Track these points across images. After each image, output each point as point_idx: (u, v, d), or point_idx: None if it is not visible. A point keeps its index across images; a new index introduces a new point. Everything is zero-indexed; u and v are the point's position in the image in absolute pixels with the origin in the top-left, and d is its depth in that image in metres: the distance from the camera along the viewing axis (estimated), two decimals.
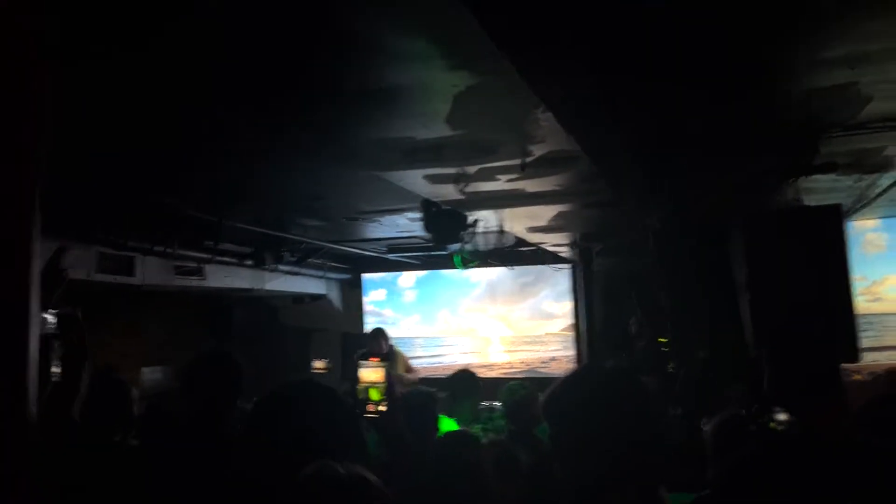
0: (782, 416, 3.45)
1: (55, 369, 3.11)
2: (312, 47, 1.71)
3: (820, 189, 4.66)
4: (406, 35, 1.58)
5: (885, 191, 4.83)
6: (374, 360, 2.13)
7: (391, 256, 7.52)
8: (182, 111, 2.72)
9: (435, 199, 3.41)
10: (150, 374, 7.09)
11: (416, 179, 2.92)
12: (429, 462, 2.61)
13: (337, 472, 1.32)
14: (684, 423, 4.36)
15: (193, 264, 6.04)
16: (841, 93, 3.04)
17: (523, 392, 4.06)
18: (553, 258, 6.69)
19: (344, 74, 1.84)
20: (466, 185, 2.98)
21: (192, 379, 2.73)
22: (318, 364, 6.92)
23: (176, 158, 3.64)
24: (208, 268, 6.22)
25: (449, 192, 3.14)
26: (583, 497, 1.35)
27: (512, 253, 6.63)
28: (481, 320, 8.33)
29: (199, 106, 2.61)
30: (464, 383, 4.46)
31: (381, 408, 2.07)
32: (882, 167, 4.28)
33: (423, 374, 6.70)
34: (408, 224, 5.78)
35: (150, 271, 5.65)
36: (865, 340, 4.07)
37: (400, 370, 6.25)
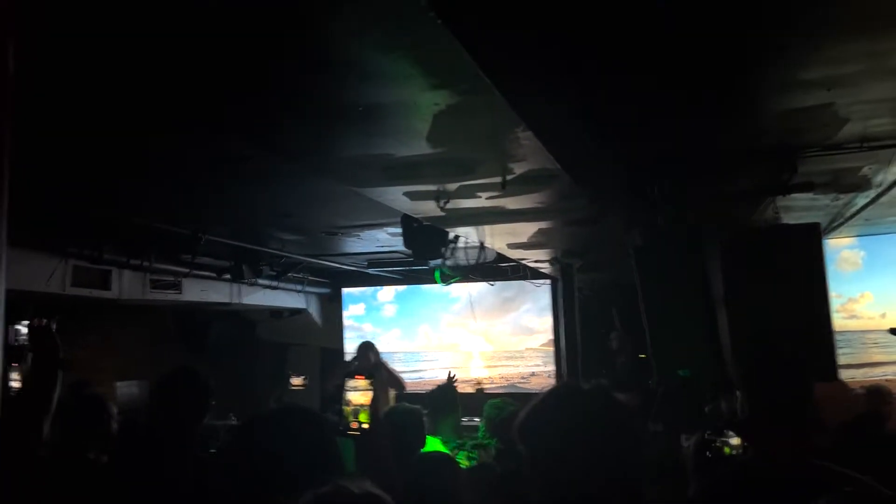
0: (735, 441, 3.49)
1: (15, 380, 3.05)
2: (293, 64, 1.69)
3: (797, 207, 4.70)
4: (387, 54, 1.57)
5: (860, 210, 4.89)
6: (360, 379, 2.12)
7: (371, 271, 7.49)
8: (159, 126, 2.69)
9: (415, 216, 3.40)
10: (126, 389, 6.99)
11: (396, 196, 2.90)
12: (407, 485, 2.58)
13: (350, 492, 1.30)
14: (665, 439, 4.36)
15: (170, 278, 5.98)
16: (818, 114, 3.07)
17: (511, 409, 4.01)
18: (534, 274, 6.69)
19: (324, 92, 1.82)
20: (447, 202, 2.97)
21: (159, 396, 2.69)
22: (296, 381, 6.87)
23: (152, 172, 3.59)
24: (185, 282, 6.16)
25: (429, 208, 3.13)
26: None
27: (493, 268, 6.62)
28: (462, 335, 8.29)
29: (176, 121, 2.58)
30: (444, 398, 4.41)
31: (364, 425, 2.06)
32: (858, 187, 4.33)
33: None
34: (388, 239, 5.75)
35: (127, 285, 5.58)
36: (842, 357, 4.10)
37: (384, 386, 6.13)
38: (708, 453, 3.72)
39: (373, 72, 1.65)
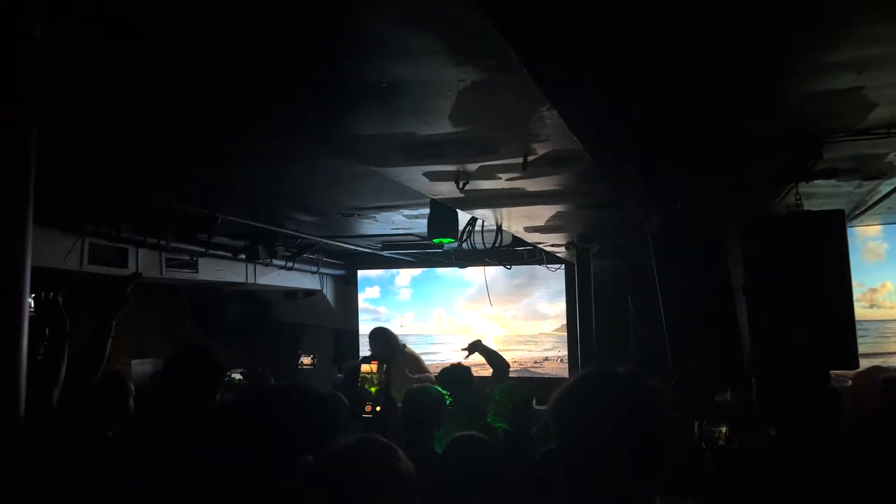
0: (724, 429, 3.48)
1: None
2: (314, 40, 1.66)
3: (819, 194, 4.64)
4: (412, 28, 1.54)
5: (884, 197, 4.81)
6: (374, 364, 2.14)
7: (386, 253, 7.48)
8: (178, 106, 2.68)
9: (434, 196, 3.37)
10: (141, 367, 7.03)
11: (415, 176, 2.87)
12: (438, 468, 2.58)
13: (379, 441, 1.33)
14: (679, 426, 4.33)
15: (186, 257, 5.99)
16: (846, 98, 3.01)
17: (523, 393, 4.00)
18: (549, 258, 6.66)
19: (345, 68, 1.79)
20: (466, 184, 2.94)
21: (170, 374, 2.70)
22: (305, 360, 6.90)
23: (170, 152, 3.58)
24: (202, 261, 6.18)
25: (448, 189, 3.10)
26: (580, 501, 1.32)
27: (508, 252, 6.59)
28: (476, 319, 8.29)
29: (195, 101, 2.57)
30: (457, 379, 4.40)
31: (378, 408, 2.06)
32: (883, 174, 4.26)
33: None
34: (403, 221, 5.74)
35: (143, 263, 5.60)
36: (862, 347, 4.04)
37: (405, 369, 6.03)
38: (703, 444, 3.72)
39: (397, 48, 1.62)
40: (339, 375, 6.36)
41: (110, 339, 2.33)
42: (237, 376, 5.31)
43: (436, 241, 3.91)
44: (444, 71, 1.73)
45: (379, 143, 2.37)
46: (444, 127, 2.19)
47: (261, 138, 3.13)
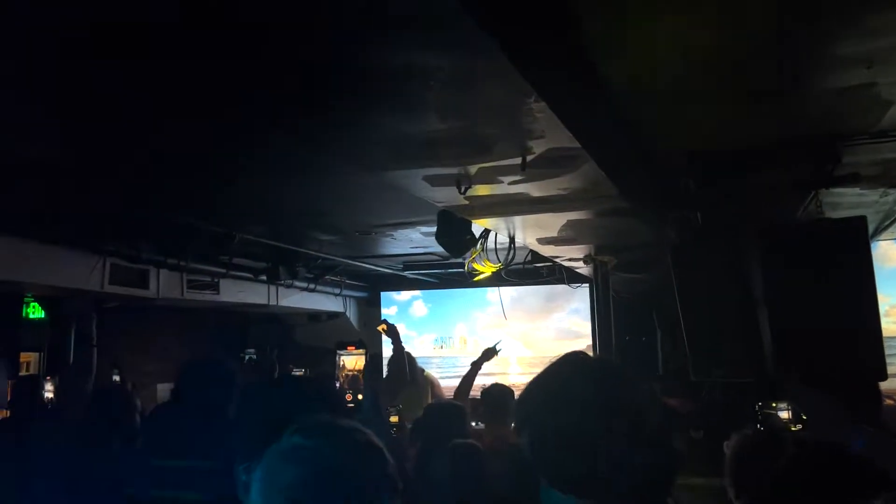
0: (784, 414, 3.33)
1: (48, 391, 3.11)
2: (292, 27, 1.66)
3: (844, 204, 4.50)
4: (384, 10, 1.52)
5: None
6: (351, 349, 2.10)
7: (408, 274, 7.46)
8: (180, 122, 2.71)
9: (438, 204, 3.34)
10: (166, 393, 7.07)
11: (415, 181, 2.85)
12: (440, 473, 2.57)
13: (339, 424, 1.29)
14: (705, 447, 4.19)
15: (208, 278, 6.05)
16: (859, 96, 2.92)
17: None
18: (570, 276, 6.56)
19: (324, 57, 1.78)
20: (468, 188, 2.90)
21: (184, 388, 2.69)
22: (297, 374, 6.89)
23: (183, 170, 3.62)
24: (223, 282, 6.23)
25: (451, 196, 3.06)
26: None
27: (529, 271, 6.52)
28: (501, 339, 8.13)
29: (208, 116, 2.58)
30: (497, 401, 4.30)
31: (359, 396, 2.03)
32: None
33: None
34: (422, 239, 5.72)
35: (164, 285, 5.67)
36: (893, 367, 3.85)
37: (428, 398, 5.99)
38: (759, 425, 3.55)
39: (369, 31, 1.60)
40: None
41: (95, 350, 2.34)
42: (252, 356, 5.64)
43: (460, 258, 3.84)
44: (420, 55, 1.71)
45: (370, 141, 2.35)
46: (433, 122, 2.17)
47: (263, 151, 3.12)
